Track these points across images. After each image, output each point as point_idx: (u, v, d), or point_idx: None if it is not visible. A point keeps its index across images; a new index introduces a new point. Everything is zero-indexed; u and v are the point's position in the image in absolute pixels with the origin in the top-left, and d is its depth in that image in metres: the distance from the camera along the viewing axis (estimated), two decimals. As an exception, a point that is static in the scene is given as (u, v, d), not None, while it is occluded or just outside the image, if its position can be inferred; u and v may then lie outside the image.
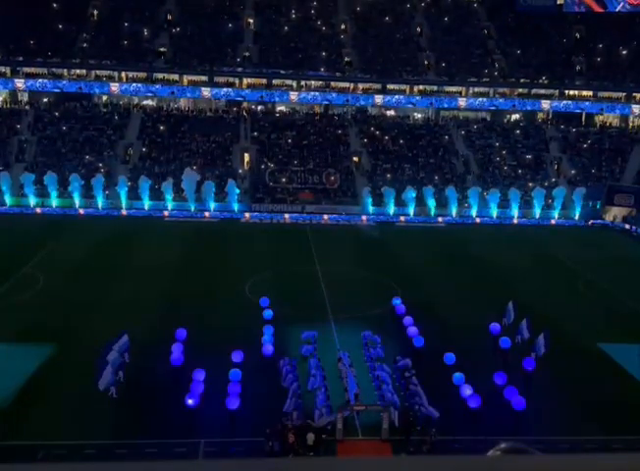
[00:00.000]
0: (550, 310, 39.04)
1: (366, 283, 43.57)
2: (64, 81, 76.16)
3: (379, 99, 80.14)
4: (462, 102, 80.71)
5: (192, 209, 63.85)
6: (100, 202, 63.53)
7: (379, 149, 74.90)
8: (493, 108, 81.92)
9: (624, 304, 40.60)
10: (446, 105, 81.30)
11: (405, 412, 25.24)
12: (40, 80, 75.94)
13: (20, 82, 75.86)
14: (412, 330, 31.86)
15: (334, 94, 79.70)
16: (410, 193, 65.14)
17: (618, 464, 2.13)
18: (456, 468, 2.11)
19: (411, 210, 65.50)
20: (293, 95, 79.07)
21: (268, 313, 34.55)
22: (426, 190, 66.00)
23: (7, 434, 23.27)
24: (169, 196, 63.64)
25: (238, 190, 64.98)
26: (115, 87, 77.18)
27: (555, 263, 50.83)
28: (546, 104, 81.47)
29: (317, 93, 79.58)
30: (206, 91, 78.19)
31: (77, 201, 63.13)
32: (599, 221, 67.43)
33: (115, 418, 24.94)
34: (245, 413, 24.86)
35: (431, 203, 65.62)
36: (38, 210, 62.15)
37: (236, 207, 64.70)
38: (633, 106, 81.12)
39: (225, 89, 78.56)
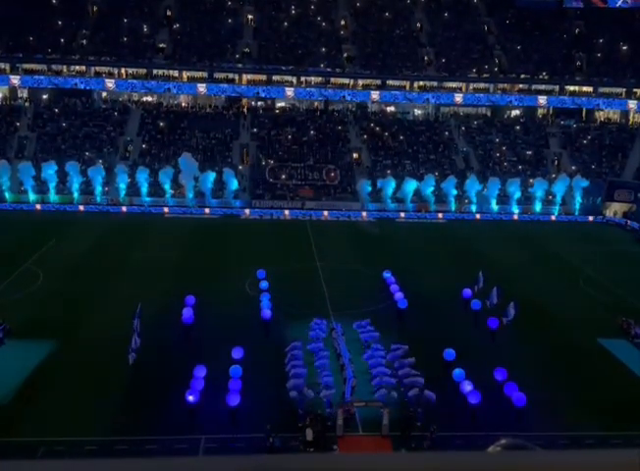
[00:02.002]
0: (550, 306, 39.09)
1: (366, 278, 43.54)
2: (59, 78, 75.94)
3: (375, 95, 79.98)
4: (459, 98, 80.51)
5: (192, 205, 63.86)
6: (99, 193, 63.61)
7: (379, 145, 74.86)
8: (489, 104, 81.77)
9: (625, 300, 40.55)
10: (442, 101, 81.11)
11: (404, 408, 25.34)
12: (36, 77, 75.71)
13: (15, 79, 75.68)
14: (398, 295, 37.10)
15: (330, 90, 79.45)
16: (410, 184, 65.26)
17: (618, 460, 2.13)
18: (457, 464, 2.11)
19: (409, 198, 65.66)
20: (289, 91, 78.88)
21: (264, 284, 38.28)
22: (426, 179, 66.04)
23: (8, 430, 23.31)
24: (167, 187, 63.69)
25: (236, 183, 65.06)
26: (110, 84, 77.02)
27: (554, 259, 50.82)
28: (542, 100, 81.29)
29: (313, 89, 79.37)
30: (202, 87, 78.01)
31: (75, 193, 63.23)
32: (612, 219, 66.67)
33: (115, 414, 24.95)
34: (246, 410, 24.88)
35: (429, 191, 65.76)
36: (38, 206, 62.17)
37: (231, 197, 64.75)
38: (629, 102, 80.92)
39: (220, 85, 78.31)
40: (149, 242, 50.90)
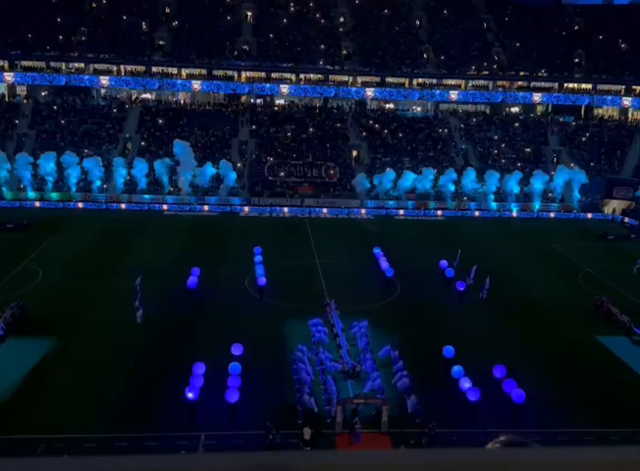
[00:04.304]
0: (548, 303, 39.16)
1: (365, 276, 43.59)
2: (53, 75, 75.57)
3: (370, 92, 79.86)
4: (454, 95, 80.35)
5: (192, 202, 63.93)
6: (97, 188, 63.67)
7: (378, 143, 74.82)
8: (484, 101, 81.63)
9: (624, 297, 40.57)
10: (438, 98, 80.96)
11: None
12: (30, 74, 75.42)
13: (9, 76, 75.46)
14: (385, 265, 42.73)
15: (325, 87, 79.27)
16: (409, 176, 65.48)
17: (617, 457, 2.13)
18: (456, 461, 2.11)
19: (407, 190, 66.02)
20: (285, 88, 78.67)
21: (259, 258, 42.77)
22: (425, 173, 66.27)
23: (7, 428, 23.32)
24: (165, 179, 63.81)
25: (234, 175, 65.14)
26: (105, 81, 76.80)
27: (553, 256, 50.87)
28: (537, 96, 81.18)
29: (308, 86, 79.19)
30: (196, 85, 77.77)
31: (73, 187, 63.31)
32: (631, 221, 64.70)
33: (115, 412, 24.98)
34: (245, 406, 24.91)
35: (428, 186, 66.00)
36: (37, 204, 62.07)
37: (226, 193, 64.90)
38: (623, 99, 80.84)
39: (214, 82, 78.04)
40: (149, 239, 50.89)
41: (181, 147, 64.68)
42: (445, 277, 42.05)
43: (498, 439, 2.58)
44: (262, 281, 38.59)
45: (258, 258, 43.05)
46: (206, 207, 63.68)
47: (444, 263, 43.58)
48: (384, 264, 43.06)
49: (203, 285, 38.36)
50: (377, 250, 46.33)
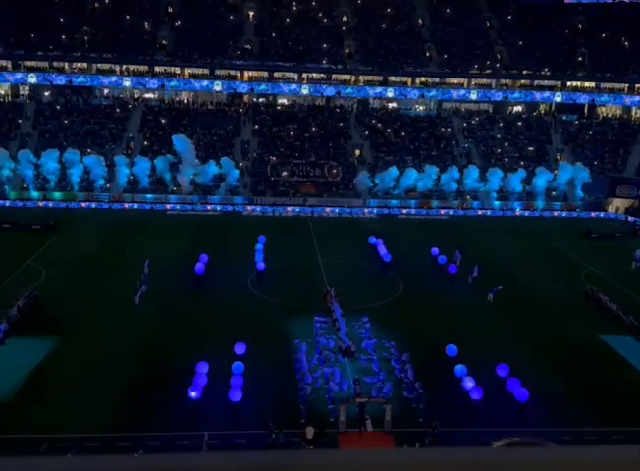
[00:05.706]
0: (551, 302, 39.09)
1: (368, 274, 43.57)
2: (56, 75, 75.63)
3: (371, 91, 79.80)
4: (455, 94, 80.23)
5: (196, 201, 64.02)
6: (99, 187, 63.78)
7: (380, 142, 74.78)
8: (487, 100, 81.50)
9: (626, 296, 40.51)
10: (440, 97, 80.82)
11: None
12: (32, 74, 75.41)
13: (11, 76, 75.46)
14: (382, 250, 45.58)
15: (325, 87, 79.23)
16: (412, 174, 65.50)
17: (619, 456, 2.13)
18: (459, 460, 2.11)
19: (410, 186, 66.39)
20: (285, 89, 78.58)
21: (259, 247, 45.00)
22: (427, 170, 66.32)
23: (10, 427, 23.36)
24: (167, 176, 63.87)
25: (237, 173, 65.20)
26: (106, 80, 76.76)
27: (556, 254, 50.79)
28: (538, 96, 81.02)
29: (310, 85, 79.13)
30: (196, 84, 77.75)
31: (75, 186, 63.40)
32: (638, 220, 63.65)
33: (118, 411, 25.00)
34: (248, 405, 24.92)
35: (430, 185, 66.08)
36: (40, 204, 62.16)
37: (224, 191, 64.92)
38: (627, 97, 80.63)
39: (217, 82, 77.99)
40: (152, 239, 50.88)
41: (180, 143, 64.73)
42: (437, 264, 44.24)
43: (510, 439, 2.58)
44: (261, 266, 41.25)
45: (260, 246, 45.11)
46: (209, 206, 63.75)
47: (435, 250, 45.71)
48: (382, 250, 45.41)
49: (210, 272, 39.56)
50: (372, 240, 48.44)
